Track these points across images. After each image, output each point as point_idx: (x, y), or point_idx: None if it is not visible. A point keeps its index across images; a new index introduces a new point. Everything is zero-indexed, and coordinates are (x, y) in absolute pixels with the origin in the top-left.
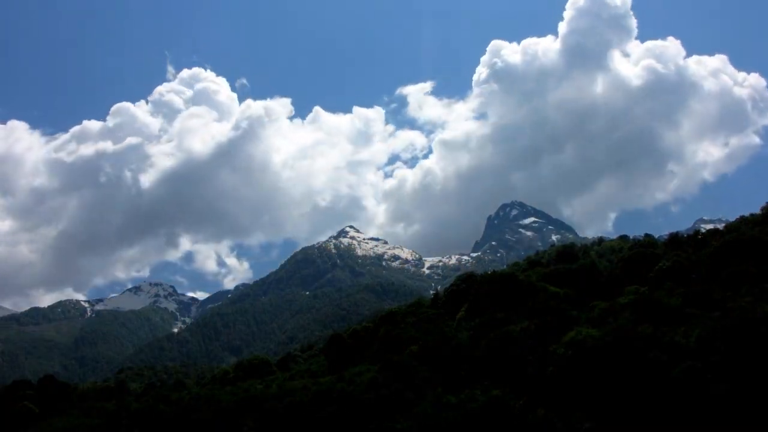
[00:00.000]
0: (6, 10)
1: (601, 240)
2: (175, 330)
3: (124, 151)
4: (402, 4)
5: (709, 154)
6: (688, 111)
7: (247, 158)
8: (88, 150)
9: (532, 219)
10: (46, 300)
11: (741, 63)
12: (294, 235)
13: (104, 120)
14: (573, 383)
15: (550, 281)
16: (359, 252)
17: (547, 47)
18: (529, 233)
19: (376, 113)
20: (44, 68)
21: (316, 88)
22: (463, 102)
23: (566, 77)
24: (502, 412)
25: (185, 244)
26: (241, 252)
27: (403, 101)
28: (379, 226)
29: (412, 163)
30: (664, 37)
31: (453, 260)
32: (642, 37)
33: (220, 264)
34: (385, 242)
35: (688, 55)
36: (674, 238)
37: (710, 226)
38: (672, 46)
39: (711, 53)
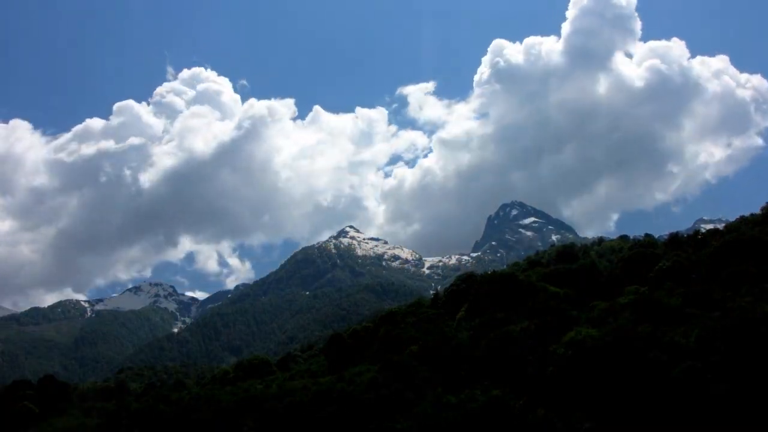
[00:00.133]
0: (7, 10)
1: (601, 240)
2: (175, 330)
3: (126, 151)
4: (403, 4)
5: (711, 156)
6: (691, 112)
7: (248, 158)
8: (89, 149)
9: (533, 219)
10: (46, 300)
11: (744, 64)
12: (294, 235)
13: (107, 119)
14: (573, 383)
15: (550, 281)
16: (359, 252)
17: (549, 47)
18: (529, 233)
19: (379, 113)
20: (45, 68)
21: (317, 89)
22: (464, 102)
23: (569, 77)
24: (502, 412)
25: (186, 244)
26: (243, 252)
27: (403, 101)
28: (379, 226)
29: (413, 163)
30: (668, 37)
31: (453, 260)
32: (646, 38)
33: (222, 264)
34: (385, 242)
35: (692, 56)
36: (674, 238)
37: (710, 226)
38: (676, 46)
39: (713, 54)
